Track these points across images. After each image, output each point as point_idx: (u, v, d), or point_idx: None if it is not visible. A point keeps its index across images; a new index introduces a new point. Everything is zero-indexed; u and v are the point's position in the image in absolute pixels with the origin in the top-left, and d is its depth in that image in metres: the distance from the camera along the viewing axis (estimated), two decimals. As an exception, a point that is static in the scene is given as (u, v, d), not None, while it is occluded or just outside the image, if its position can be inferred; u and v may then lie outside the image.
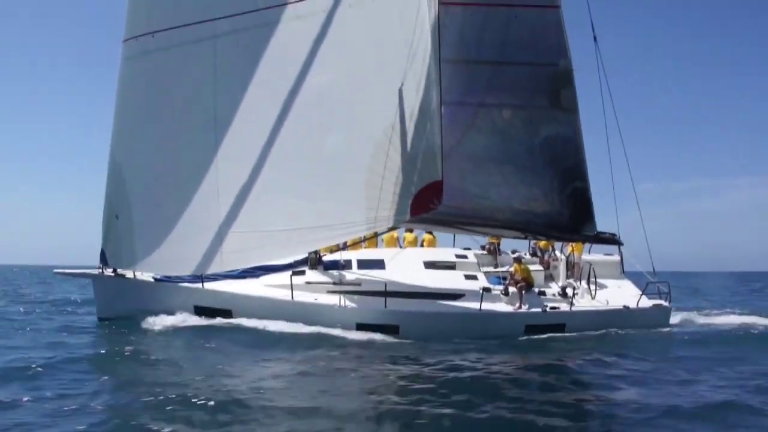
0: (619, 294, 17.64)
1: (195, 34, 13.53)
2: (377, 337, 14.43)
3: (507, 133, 15.89)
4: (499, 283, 16.61)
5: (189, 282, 15.82)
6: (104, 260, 15.96)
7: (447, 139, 14.22)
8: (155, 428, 6.83)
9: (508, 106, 15.86)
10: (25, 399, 8.08)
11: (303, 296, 15.27)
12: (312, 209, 13.57)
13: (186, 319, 15.27)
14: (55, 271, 17.61)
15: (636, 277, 18.42)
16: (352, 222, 13.64)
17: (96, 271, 16.39)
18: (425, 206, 13.63)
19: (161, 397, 8.08)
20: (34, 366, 10.08)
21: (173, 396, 8.12)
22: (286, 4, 13.16)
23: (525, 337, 15.23)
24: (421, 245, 18.52)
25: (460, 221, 16.24)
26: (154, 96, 14.23)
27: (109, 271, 16.20)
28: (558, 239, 17.44)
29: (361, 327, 14.96)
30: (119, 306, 15.97)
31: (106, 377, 9.85)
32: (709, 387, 9.52)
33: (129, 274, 16.16)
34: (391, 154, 13.19)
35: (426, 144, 13.26)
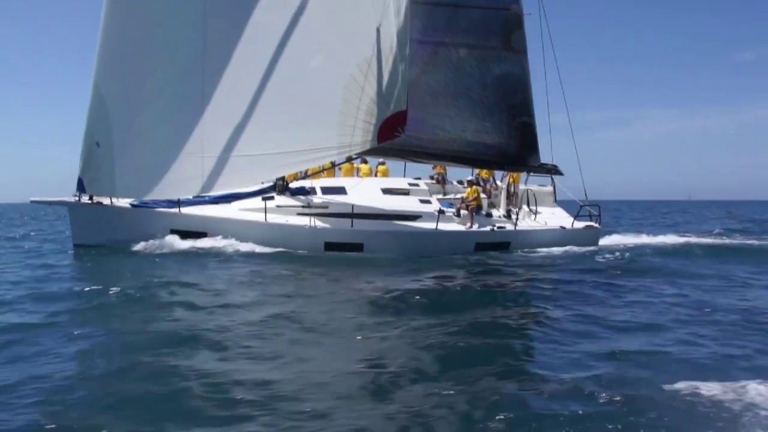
0: (554, 218, 19.78)
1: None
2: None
3: (462, 71, 17.57)
4: (450, 207, 18.42)
5: (165, 207, 16.92)
6: (81, 188, 16.73)
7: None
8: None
9: (463, 45, 17.52)
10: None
11: (275, 218, 16.65)
12: (290, 135, 14.92)
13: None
14: (31, 199, 18.19)
15: (567, 206, 20.54)
16: (328, 147, 15.10)
17: (72, 199, 17.23)
18: (391, 133, 15.20)
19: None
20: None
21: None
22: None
23: (474, 255, 17.15)
24: (375, 175, 20.09)
25: (418, 151, 17.83)
26: (143, 29, 15.07)
27: (85, 198, 17.06)
28: (507, 169, 19.25)
29: (329, 246, 16.51)
30: (96, 233, 16.71)
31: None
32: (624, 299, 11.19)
33: (106, 201, 17.06)
34: (364, 86, 14.64)
35: (394, 78, 14.74)
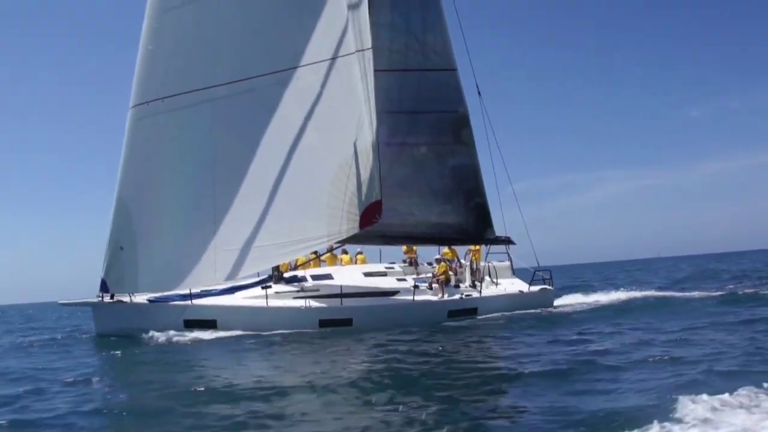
0: (513, 286, 22.87)
1: (198, 98, 17.80)
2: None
3: (423, 164, 21.12)
4: (423, 283, 21.36)
5: (179, 300, 19.49)
6: (105, 288, 19.25)
7: (379, 171, 19.05)
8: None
9: (423, 144, 21.20)
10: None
11: (274, 302, 19.32)
12: (288, 228, 17.91)
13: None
14: (60, 302, 20.70)
15: (525, 275, 23.67)
16: (319, 236, 18.12)
17: (96, 299, 19.73)
18: (370, 220, 18.31)
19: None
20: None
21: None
22: (269, 73, 17.76)
23: (448, 321, 19.96)
24: (355, 263, 23.06)
25: (392, 235, 20.95)
26: (160, 147, 18.19)
27: (107, 298, 19.59)
28: (466, 243, 22.40)
29: (323, 323, 19.16)
30: (117, 326, 19.01)
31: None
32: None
33: (125, 298, 19.59)
34: (347, 183, 17.86)
35: (370, 174, 18.02)
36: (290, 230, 17.93)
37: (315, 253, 21.37)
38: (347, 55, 17.68)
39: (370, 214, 18.26)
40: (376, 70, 18.21)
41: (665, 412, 6.88)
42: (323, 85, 17.64)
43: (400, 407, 7.97)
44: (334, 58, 17.65)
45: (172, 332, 18.00)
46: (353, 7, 18.05)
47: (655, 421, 6.55)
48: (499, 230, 22.18)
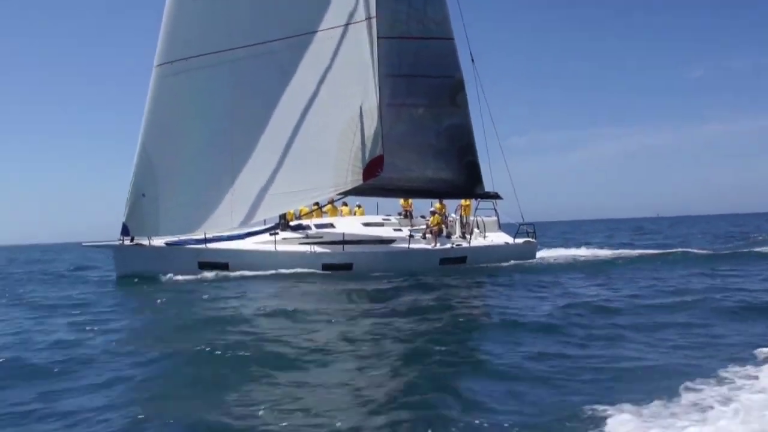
0: (500, 239, 24.90)
1: (218, 59, 19.50)
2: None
3: (421, 124, 23.05)
4: (418, 233, 23.34)
5: (194, 244, 21.35)
6: (126, 232, 21.06)
7: (381, 129, 20.91)
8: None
9: (421, 105, 23.12)
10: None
11: (281, 247, 21.23)
12: (298, 178, 19.81)
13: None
14: (83, 243, 22.52)
15: (511, 230, 25.67)
16: (325, 186, 20.03)
17: (117, 242, 21.54)
18: (372, 173, 20.26)
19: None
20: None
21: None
22: (285, 38, 19.46)
23: (439, 268, 21.99)
24: (354, 215, 24.96)
25: (391, 188, 22.89)
26: (182, 103, 19.91)
27: (127, 241, 21.40)
28: (458, 197, 24.39)
29: (325, 266, 21.12)
30: (136, 267, 20.91)
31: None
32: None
33: (144, 242, 21.40)
34: (352, 139, 19.72)
35: (373, 131, 19.86)
36: (301, 180, 19.81)
37: (317, 204, 23.25)
38: (357, 22, 19.42)
39: (372, 167, 20.18)
40: (378, 37, 19.91)
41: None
42: (334, 50, 19.44)
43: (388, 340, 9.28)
44: (346, 25, 19.38)
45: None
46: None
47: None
48: (488, 186, 24.18)
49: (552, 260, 24.33)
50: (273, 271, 20.37)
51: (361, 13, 19.56)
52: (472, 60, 23.67)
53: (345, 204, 24.72)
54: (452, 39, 23.02)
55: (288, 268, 20.64)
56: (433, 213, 23.55)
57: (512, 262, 23.18)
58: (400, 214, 24.96)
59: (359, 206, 25.03)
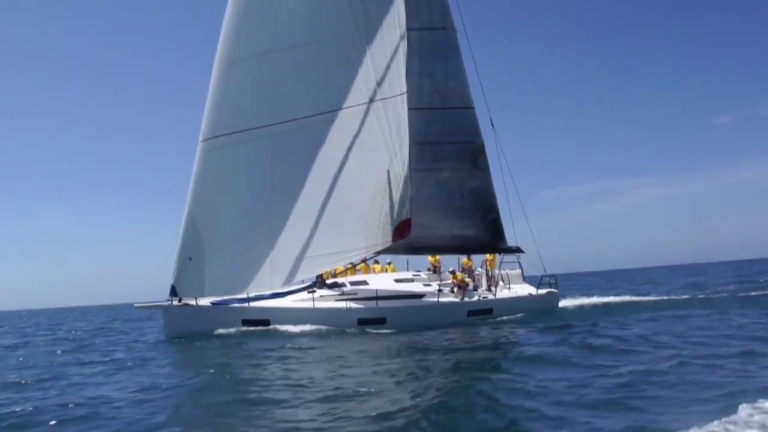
0: (524, 291, 26.23)
1: (259, 134, 21.38)
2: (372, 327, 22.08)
3: (446, 187, 24.74)
4: (446, 288, 24.77)
5: (238, 303, 22.93)
6: (174, 293, 22.68)
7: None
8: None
9: (446, 169, 24.86)
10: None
11: (319, 303, 22.74)
12: (333, 241, 21.40)
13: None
14: (136, 305, 24.26)
15: (535, 281, 27.04)
16: (358, 247, 21.62)
17: (166, 303, 23.20)
18: (402, 234, 21.80)
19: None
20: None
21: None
22: (319, 114, 21.38)
23: (467, 319, 23.34)
24: (386, 271, 26.49)
25: (419, 246, 24.44)
26: (226, 174, 21.74)
27: (176, 301, 23.05)
28: (482, 252, 25.88)
29: (361, 321, 22.54)
30: (185, 328, 22.27)
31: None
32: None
33: (191, 302, 23.04)
34: (381, 203, 21.38)
35: (401, 195, 21.51)
36: (335, 243, 21.41)
37: (351, 263, 24.84)
38: (385, 99, 21.27)
39: (401, 229, 21.75)
40: (408, 108, 21.76)
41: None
42: (362, 123, 21.23)
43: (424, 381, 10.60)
44: (380, 100, 21.28)
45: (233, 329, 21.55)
46: (392, 55, 21.60)
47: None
48: (512, 241, 25.69)
49: (573, 308, 25.63)
50: (311, 327, 21.85)
51: (386, 90, 21.41)
52: (492, 125, 25.53)
53: (377, 262, 26.24)
54: (472, 108, 24.88)
55: (325, 323, 22.08)
56: (452, 272, 25.04)
57: (536, 311, 24.49)
58: (429, 269, 26.43)
59: (390, 263, 26.55)
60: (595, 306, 26.05)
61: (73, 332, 30.50)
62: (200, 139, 22.09)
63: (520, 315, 23.92)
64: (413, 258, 26.38)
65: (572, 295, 31.11)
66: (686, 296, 29.18)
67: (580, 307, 26.10)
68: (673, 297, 28.52)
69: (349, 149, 21.40)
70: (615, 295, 30.86)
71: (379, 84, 21.40)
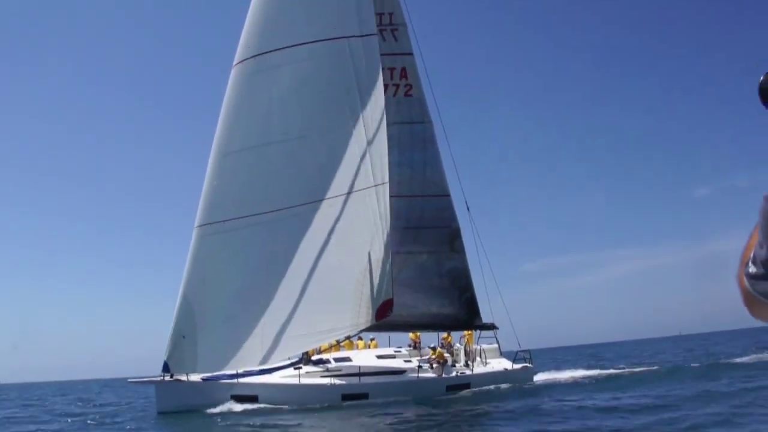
0: (500, 365, 27.59)
1: (251, 221, 22.87)
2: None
3: (425, 268, 26.38)
4: (426, 363, 26.06)
5: (227, 379, 24.04)
6: (167, 369, 23.77)
7: (390, 273, 24.14)
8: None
9: (425, 252, 26.56)
10: None
11: (305, 380, 23.91)
12: (320, 320, 22.74)
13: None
14: (130, 380, 25.27)
15: (512, 356, 28.44)
16: (343, 326, 22.99)
17: (158, 378, 24.24)
18: (384, 314, 23.22)
19: None
20: None
21: None
22: (307, 203, 23.04)
23: (446, 394, 24.58)
24: (369, 347, 27.79)
25: (400, 323, 25.86)
26: (220, 258, 23.19)
27: (167, 377, 24.10)
28: (460, 329, 27.33)
29: (344, 397, 23.69)
30: (176, 402, 23.37)
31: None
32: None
33: (182, 378, 24.09)
34: (364, 285, 22.87)
35: (383, 278, 23.03)
36: (321, 322, 22.76)
37: (336, 340, 26.13)
38: (368, 188, 23.07)
39: (383, 309, 23.20)
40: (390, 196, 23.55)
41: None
42: (347, 210, 22.93)
43: None
44: (357, 191, 23.03)
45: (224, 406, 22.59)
46: (377, 148, 23.46)
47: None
48: (488, 317, 27.28)
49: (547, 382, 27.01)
50: (297, 403, 22.95)
51: (377, 178, 23.21)
52: (468, 209, 27.50)
53: (360, 338, 27.56)
54: (448, 195, 26.87)
55: (310, 399, 23.22)
56: (432, 348, 26.41)
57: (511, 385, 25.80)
58: (410, 345, 27.77)
59: (373, 339, 27.87)
60: (567, 380, 27.38)
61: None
62: (195, 224, 23.63)
63: (496, 389, 25.20)
64: (395, 334, 27.81)
65: (548, 369, 32.45)
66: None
67: (554, 382, 27.41)
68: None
69: (334, 235, 22.99)
70: (586, 369, 32.24)
71: (364, 174, 23.18)
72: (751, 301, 1.75)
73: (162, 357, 23.95)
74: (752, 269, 1.70)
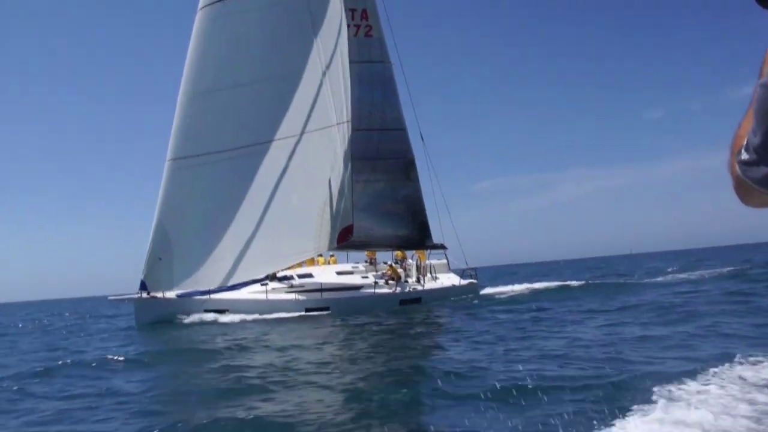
0: (449, 280, 30.46)
1: (220, 156, 24.71)
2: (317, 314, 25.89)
3: (382, 195, 28.70)
4: (381, 279, 28.74)
5: (199, 295, 26.36)
6: (144, 287, 26.03)
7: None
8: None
9: (382, 180, 28.79)
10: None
11: (271, 295, 26.37)
12: (286, 244, 25.03)
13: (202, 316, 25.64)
14: (110, 297, 27.43)
15: (460, 272, 31.31)
16: (308, 248, 25.35)
17: (136, 295, 26.46)
18: (345, 238, 25.60)
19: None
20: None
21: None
22: (274, 140, 24.82)
23: (400, 307, 27.36)
24: (328, 263, 30.28)
25: (358, 243, 28.33)
26: (191, 189, 25.10)
27: (145, 294, 26.33)
28: (412, 248, 30.00)
29: (308, 310, 26.29)
30: (153, 316, 25.92)
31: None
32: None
33: (159, 295, 26.33)
34: (327, 212, 25.08)
35: (344, 204, 25.26)
36: (288, 245, 25.06)
37: None
38: (331, 126, 24.92)
39: (344, 234, 25.57)
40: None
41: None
42: (307, 148, 24.96)
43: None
44: (314, 131, 24.94)
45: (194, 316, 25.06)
46: (333, 85, 25.16)
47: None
48: (439, 238, 29.96)
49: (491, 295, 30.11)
50: (265, 316, 25.49)
51: (340, 117, 25.08)
52: (422, 139, 29.66)
53: (320, 255, 29.99)
54: (404, 129, 28.91)
55: (277, 312, 25.77)
56: (389, 265, 29.05)
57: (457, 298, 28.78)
58: (366, 261, 30.34)
59: (332, 255, 30.35)
60: (506, 293, 30.49)
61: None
62: (168, 158, 25.31)
63: (444, 301, 28.14)
64: (352, 252, 30.34)
65: (494, 284, 35.62)
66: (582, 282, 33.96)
67: (497, 295, 30.46)
68: (570, 282, 33.30)
69: (298, 168, 25.02)
70: (525, 284, 35.49)
71: (327, 113, 25.00)
72: (742, 187, 1.77)
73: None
74: (745, 156, 1.71)
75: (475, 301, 27.95)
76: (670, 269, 44.98)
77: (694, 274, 35.69)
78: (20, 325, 35.41)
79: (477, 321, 19.70)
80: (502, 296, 29.67)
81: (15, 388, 11.60)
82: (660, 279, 34.78)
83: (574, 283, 33.49)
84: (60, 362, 14.63)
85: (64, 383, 12.00)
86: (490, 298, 28.78)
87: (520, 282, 37.26)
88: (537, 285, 33.56)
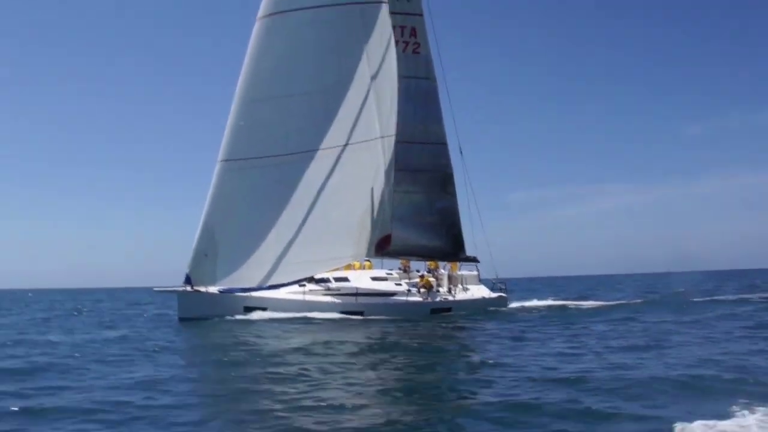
0: (479, 292, 31.36)
1: (269, 161, 25.96)
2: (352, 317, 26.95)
3: (419, 206, 29.85)
4: (414, 287, 29.75)
5: (240, 293, 27.58)
6: (188, 281, 27.26)
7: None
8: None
9: (420, 192, 29.95)
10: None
11: (309, 296, 27.50)
12: (325, 250, 26.16)
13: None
14: (155, 288, 28.84)
15: (489, 284, 32.19)
16: (346, 255, 26.48)
17: (180, 288, 27.75)
18: (383, 247, 26.70)
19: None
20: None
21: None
22: (321, 149, 26.09)
23: (431, 316, 28.33)
24: (364, 268, 31.34)
25: (396, 253, 29.40)
26: (240, 191, 26.32)
27: (188, 288, 27.61)
28: (445, 260, 31.00)
29: (343, 312, 27.36)
30: (196, 311, 27.09)
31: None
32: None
33: (202, 289, 27.60)
34: (367, 221, 26.20)
35: (383, 214, 26.35)
36: (327, 251, 26.21)
37: None
38: (372, 140, 26.12)
39: (383, 243, 26.70)
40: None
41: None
42: (352, 158, 26.22)
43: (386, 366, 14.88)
44: (360, 142, 26.15)
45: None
46: (380, 100, 26.33)
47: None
48: (472, 250, 31.02)
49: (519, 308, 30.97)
50: (301, 314, 26.61)
51: (384, 131, 26.29)
52: (461, 153, 30.73)
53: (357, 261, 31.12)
54: (445, 144, 30.10)
55: (313, 312, 26.87)
56: (421, 276, 29.99)
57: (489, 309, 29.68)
58: (400, 269, 31.39)
59: (368, 260, 31.39)
60: (536, 308, 31.28)
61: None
62: (219, 159, 26.65)
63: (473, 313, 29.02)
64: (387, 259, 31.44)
65: (522, 298, 36.40)
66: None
67: (526, 309, 31.27)
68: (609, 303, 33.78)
69: (342, 177, 26.23)
70: (556, 300, 36.22)
71: (372, 127, 26.19)
72: None
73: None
74: None
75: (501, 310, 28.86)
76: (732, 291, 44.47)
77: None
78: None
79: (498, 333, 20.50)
80: (531, 309, 30.45)
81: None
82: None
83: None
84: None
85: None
86: (519, 311, 29.53)
87: (543, 296, 37.97)
88: (564, 302, 34.20)
